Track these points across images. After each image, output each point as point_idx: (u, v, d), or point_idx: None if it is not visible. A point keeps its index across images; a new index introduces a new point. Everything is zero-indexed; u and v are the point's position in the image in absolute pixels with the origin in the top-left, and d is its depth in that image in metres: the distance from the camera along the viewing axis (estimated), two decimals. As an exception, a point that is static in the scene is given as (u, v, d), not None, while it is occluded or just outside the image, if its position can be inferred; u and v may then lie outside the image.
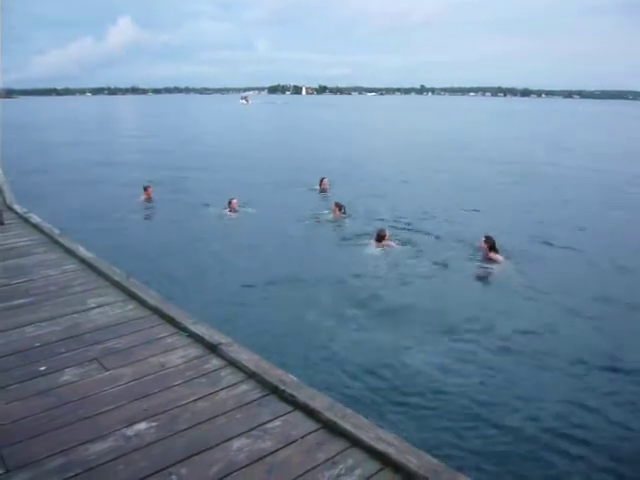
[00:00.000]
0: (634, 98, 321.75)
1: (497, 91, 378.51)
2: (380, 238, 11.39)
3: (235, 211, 14.58)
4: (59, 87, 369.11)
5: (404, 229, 13.28)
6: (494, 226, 12.96)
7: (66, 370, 4.23)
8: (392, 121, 73.15)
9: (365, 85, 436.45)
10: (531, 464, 5.02)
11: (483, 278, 10.20)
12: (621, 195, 18.80)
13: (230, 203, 14.65)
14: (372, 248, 11.35)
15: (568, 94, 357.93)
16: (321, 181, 17.98)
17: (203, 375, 4.17)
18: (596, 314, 8.57)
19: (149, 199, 16.57)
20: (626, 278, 10.36)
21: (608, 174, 23.72)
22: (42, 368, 4.26)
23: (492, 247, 10.78)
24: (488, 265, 10.58)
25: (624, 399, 6.10)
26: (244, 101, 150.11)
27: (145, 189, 16.72)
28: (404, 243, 11.85)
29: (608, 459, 5.07)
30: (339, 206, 13.96)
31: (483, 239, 10.95)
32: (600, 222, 15.06)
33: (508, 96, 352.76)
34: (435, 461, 3.12)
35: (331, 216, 13.97)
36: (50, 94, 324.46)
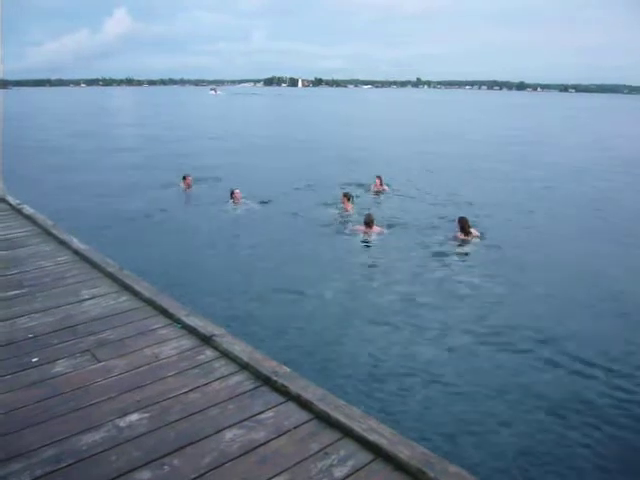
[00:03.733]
0: (629, 92, 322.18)
1: (493, 84, 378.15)
2: (368, 224, 11.69)
3: (238, 202, 14.45)
4: (53, 78, 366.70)
5: (397, 214, 13.78)
6: (478, 208, 14.44)
7: (59, 361, 4.22)
8: (385, 113, 73.19)
9: (361, 77, 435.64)
10: (524, 455, 5.06)
11: (454, 258, 10.59)
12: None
13: (232, 194, 14.51)
14: (361, 234, 11.72)
15: (564, 88, 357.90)
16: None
17: (196, 366, 4.17)
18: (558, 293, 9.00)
19: (189, 188, 16.79)
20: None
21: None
22: (35, 359, 4.25)
23: (463, 228, 11.36)
24: (459, 245, 11.20)
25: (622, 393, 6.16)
26: (213, 92, 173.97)
27: (184, 178, 16.91)
28: (390, 227, 12.34)
29: (611, 454, 5.12)
30: (347, 197, 13.95)
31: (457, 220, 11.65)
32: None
33: (504, 89, 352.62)
34: (427, 451, 3.12)
35: (340, 206, 13.99)
36: (44, 85, 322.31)
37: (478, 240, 11.36)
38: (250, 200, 14.82)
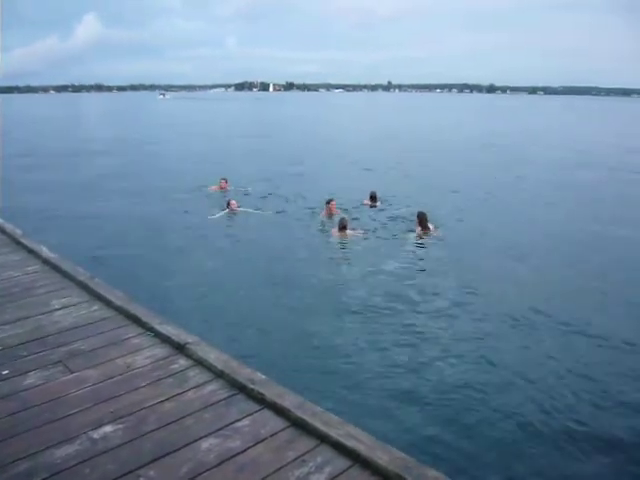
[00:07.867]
0: (597, 94, 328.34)
1: (463, 87, 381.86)
2: (342, 227, 12.09)
3: (233, 212, 14.53)
4: (22, 85, 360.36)
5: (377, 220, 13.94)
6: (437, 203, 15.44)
7: (30, 373, 4.15)
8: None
9: (334, 82, 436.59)
10: (504, 460, 5.10)
11: (416, 253, 11.25)
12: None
13: (229, 204, 14.70)
14: (334, 237, 12.13)
15: (533, 90, 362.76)
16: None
17: (170, 375, 4.12)
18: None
19: (224, 189, 17.45)
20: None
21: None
22: (5, 372, 4.16)
23: (421, 222, 12.14)
24: (419, 239, 11.96)
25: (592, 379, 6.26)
26: (162, 96, 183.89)
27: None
28: (362, 229, 12.71)
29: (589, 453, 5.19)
30: (332, 203, 14.10)
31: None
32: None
33: (474, 92, 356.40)
34: (405, 456, 3.13)
35: (324, 212, 14.14)
36: (12, 92, 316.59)
37: (436, 234, 12.07)
38: (247, 209, 14.85)
